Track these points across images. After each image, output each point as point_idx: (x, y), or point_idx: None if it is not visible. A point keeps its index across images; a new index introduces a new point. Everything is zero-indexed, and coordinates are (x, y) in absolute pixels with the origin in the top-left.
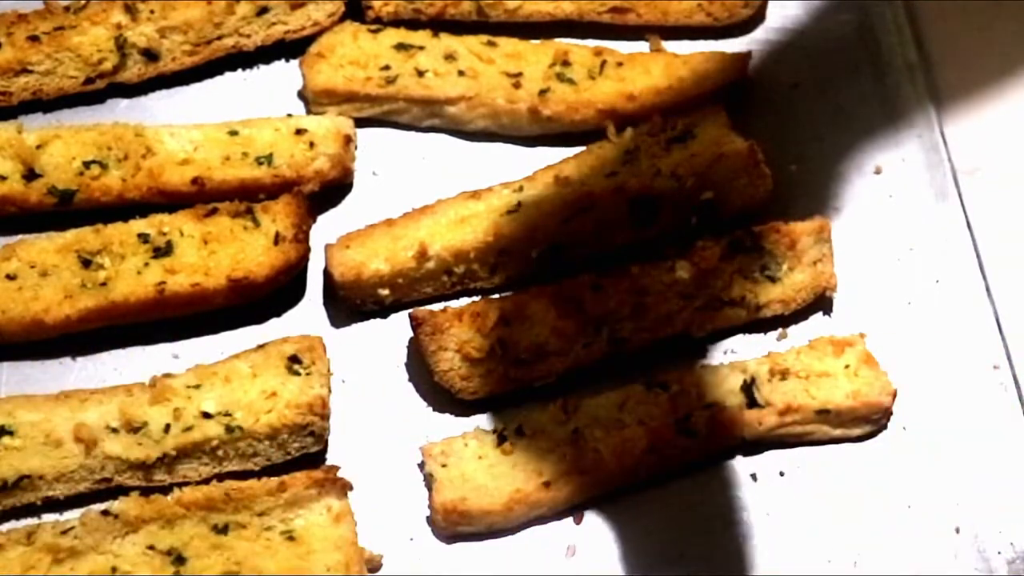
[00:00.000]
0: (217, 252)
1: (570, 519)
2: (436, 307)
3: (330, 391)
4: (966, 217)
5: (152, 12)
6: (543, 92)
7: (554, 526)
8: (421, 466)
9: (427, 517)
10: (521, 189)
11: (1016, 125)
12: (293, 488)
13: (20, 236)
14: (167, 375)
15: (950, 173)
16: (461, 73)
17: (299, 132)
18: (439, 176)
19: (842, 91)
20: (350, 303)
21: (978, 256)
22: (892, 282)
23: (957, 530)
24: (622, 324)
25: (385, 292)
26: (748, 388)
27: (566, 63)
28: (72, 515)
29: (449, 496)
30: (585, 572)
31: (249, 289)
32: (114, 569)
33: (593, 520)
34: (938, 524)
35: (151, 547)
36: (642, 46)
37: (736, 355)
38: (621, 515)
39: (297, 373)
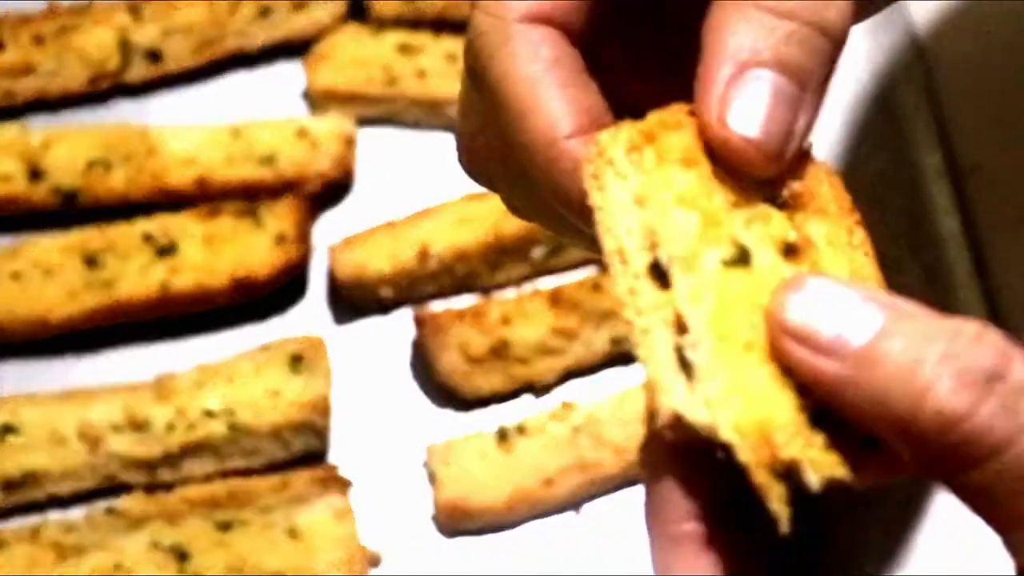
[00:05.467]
0: (220, 252)
1: (570, 511)
2: (438, 307)
3: (332, 390)
4: (966, 216)
5: (156, 13)
6: None
7: (555, 519)
8: (423, 464)
9: (429, 515)
10: None
11: (1017, 125)
12: (295, 486)
13: (24, 236)
14: (170, 374)
15: (950, 173)
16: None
17: (301, 133)
18: (441, 176)
19: (840, 90)
20: (352, 302)
21: (978, 256)
22: (891, 282)
23: (958, 530)
24: (623, 324)
25: (387, 292)
26: None
27: None
28: (76, 512)
29: (451, 494)
30: (585, 563)
31: (252, 288)
32: (118, 566)
33: (592, 510)
34: (939, 524)
35: (155, 544)
36: None
37: None
38: (620, 507)
39: (299, 372)
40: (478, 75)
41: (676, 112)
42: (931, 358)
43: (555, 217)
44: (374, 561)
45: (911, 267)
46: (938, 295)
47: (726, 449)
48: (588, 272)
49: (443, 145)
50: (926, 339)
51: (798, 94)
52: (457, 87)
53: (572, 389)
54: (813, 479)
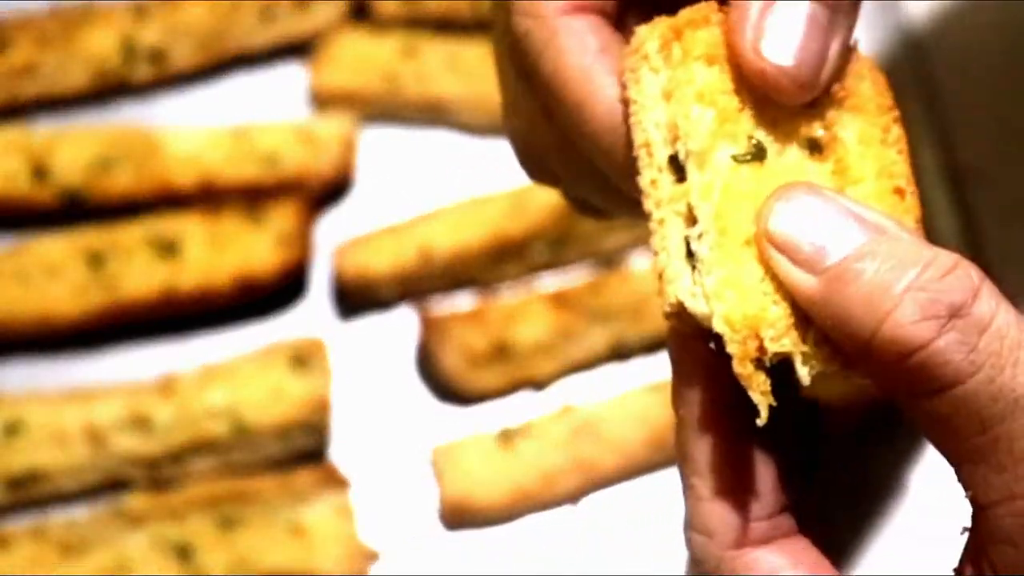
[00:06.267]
0: (222, 252)
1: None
2: (439, 306)
3: (333, 389)
4: (966, 216)
5: (159, 14)
6: None
7: (553, 514)
8: (424, 464)
9: (429, 512)
10: (523, 189)
11: (1016, 124)
12: (297, 484)
13: (29, 236)
14: (173, 373)
15: (949, 172)
16: (464, 74)
17: (303, 134)
18: (441, 177)
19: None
20: (353, 303)
21: (979, 256)
22: None
23: (963, 530)
24: (623, 324)
25: (388, 292)
26: None
27: None
28: (80, 511)
29: (452, 494)
30: (583, 557)
31: (254, 288)
32: (121, 564)
33: (590, 505)
34: (941, 523)
35: (157, 542)
36: None
37: None
38: (618, 498)
39: (300, 372)
40: (528, 74)
41: (705, 8)
42: (900, 284)
43: (620, 199)
44: (373, 558)
45: None
46: None
47: (718, 340)
48: (588, 272)
49: (444, 145)
50: (900, 264)
51: (831, 17)
52: (459, 88)
53: (572, 389)
54: (803, 372)
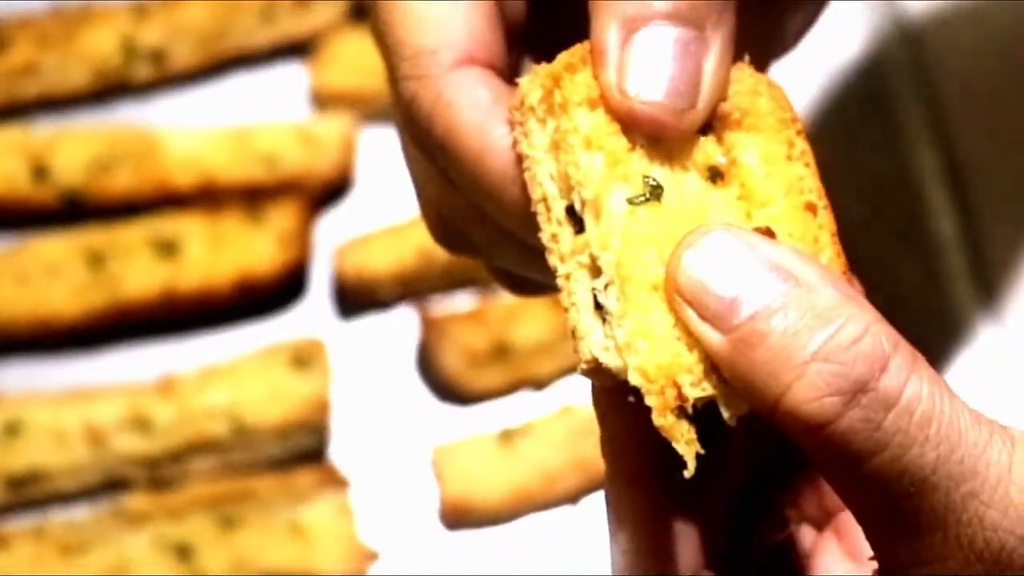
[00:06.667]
0: (222, 252)
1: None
2: (439, 307)
3: (333, 389)
4: (964, 216)
5: (159, 14)
6: None
7: (552, 513)
8: (424, 464)
9: (429, 512)
10: None
11: (1015, 123)
12: (296, 484)
13: (29, 236)
14: (173, 373)
15: (948, 172)
16: None
17: (302, 134)
18: None
19: (837, 91)
20: (353, 303)
21: (976, 255)
22: (891, 282)
23: None
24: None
25: (388, 292)
26: None
27: None
28: (80, 511)
29: (453, 494)
30: (583, 554)
31: (254, 288)
32: (121, 564)
33: (590, 502)
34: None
35: (158, 542)
36: None
37: None
38: None
39: (300, 372)
40: (422, 140)
41: (581, 50)
42: (805, 352)
43: (541, 262)
44: (373, 558)
45: (909, 267)
46: (936, 295)
47: (637, 393)
48: None
49: None
50: (807, 328)
51: (698, 36)
52: None
53: (572, 389)
54: (727, 414)
